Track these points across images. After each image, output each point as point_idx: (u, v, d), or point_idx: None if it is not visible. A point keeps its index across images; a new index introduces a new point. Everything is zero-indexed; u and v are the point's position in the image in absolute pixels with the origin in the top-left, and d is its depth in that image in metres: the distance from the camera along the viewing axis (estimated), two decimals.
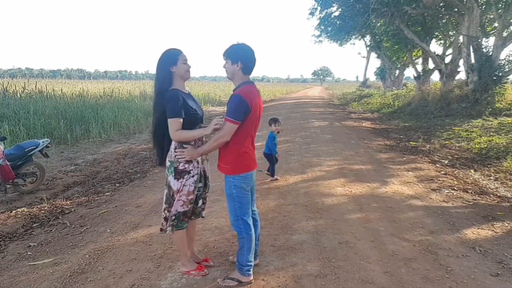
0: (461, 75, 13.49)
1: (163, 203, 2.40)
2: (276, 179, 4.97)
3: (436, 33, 16.24)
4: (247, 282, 2.40)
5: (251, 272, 2.41)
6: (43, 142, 4.89)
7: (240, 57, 2.24)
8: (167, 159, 2.35)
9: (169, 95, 2.22)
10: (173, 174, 2.30)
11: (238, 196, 2.31)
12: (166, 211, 2.39)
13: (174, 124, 2.20)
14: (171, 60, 2.28)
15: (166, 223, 2.40)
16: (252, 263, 2.42)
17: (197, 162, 2.38)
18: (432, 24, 15.18)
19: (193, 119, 2.30)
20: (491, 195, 4.24)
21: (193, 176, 2.35)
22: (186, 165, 2.31)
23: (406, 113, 12.84)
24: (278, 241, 3.05)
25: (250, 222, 2.37)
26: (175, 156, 2.29)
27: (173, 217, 2.36)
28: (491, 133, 7.45)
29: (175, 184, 2.32)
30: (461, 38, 12.20)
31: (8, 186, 4.44)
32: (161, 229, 2.44)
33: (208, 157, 2.52)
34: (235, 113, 2.15)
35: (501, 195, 4.24)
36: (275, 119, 4.88)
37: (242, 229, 2.34)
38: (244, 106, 2.14)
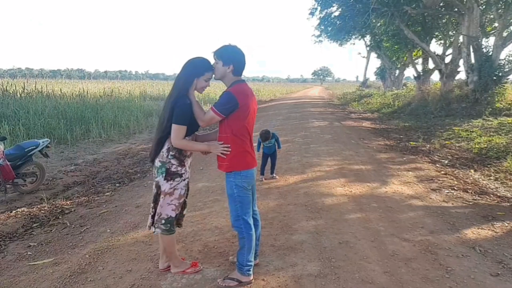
0: (461, 75, 13.51)
1: (151, 204, 2.41)
2: (274, 177, 4.99)
3: (436, 33, 16.24)
4: (247, 282, 2.40)
5: (251, 272, 2.41)
6: (43, 142, 4.89)
7: (232, 59, 2.27)
8: (157, 159, 2.34)
9: (182, 102, 2.24)
10: (163, 175, 2.31)
11: (239, 196, 2.31)
12: (152, 209, 2.41)
13: (179, 131, 2.23)
14: (198, 72, 2.30)
15: (159, 223, 2.41)
16: (252, 263, 2.42)
17: (188, 167, 2.42)
18: (432, 24, 15.18)
19: (193, 128, 2.35)
20: (491, 195, 4.24)
21: (184, 180, 2.38)
22: (179, 168, 2.34)
23: (406, 113, 12.84)
24: (278, 241, 3.05)
25: (251, 221, 2.37)
26: None
27: (164, 221, 2.36)
28: (491, 133, 7.45)
29: (163, 185, 2.32)
30: (461, 38, 12.20)
31: (8, 186, 4.44)
32: (149, 227, 2.46)
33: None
34: (222, 106, 2.21)
35: (501, 195, 4.24)
36: (267, 132, 4.75)
37: (243, 228, 2.34)
38: (232, 103, 2.19)
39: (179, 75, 2.32)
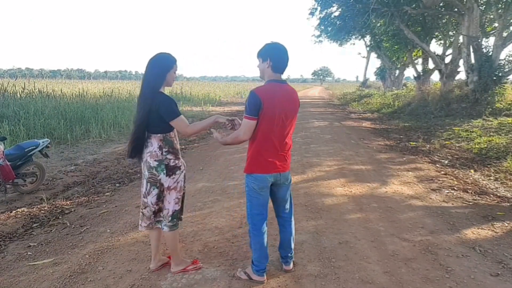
0: (461, 75, 13.51)
1: (152, 204, 2.40)
2: None
3: (436, 33, 16.24)
4: (258, 281, 2.40)
5: (262, 274, 2.41)
6: (43, 142, 4.88)
7: (270, 54, 2.23)
8: (151, 159, 2.34)
9: (164, 98, 2.28)
10: (164, 171, 2.34)
11: (249, 195, 2.35)
12: (153, 208, 2.42)
13: (182, 121, 2.30)
14: (168, 66, 2.33)
15: (167, 221, 2.44)
16: (262, 266, 2.40)
17: (181, 158, 2.49)
18: (432, 24, 15.18)
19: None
20: (491, 195, 4.24)
21: (182, 172, 2.44)
22: (176, 161, 2.39)
23: (406, 113, 12.84)
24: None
25: (260, 223, 2.37)
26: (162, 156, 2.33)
27: (170, 218, 2.42)
28: (491, 133, 7.45)
29: (166, 181, 2.36)
30: (461, 38, 12.20)
31: (8, 186, 4.43)
32: (148, 227, 2.48)
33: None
34: (249, 109, 2.17)
35: (501, 195, 4.24)
36: None
37: (250, 226, 2.40)
38: (256, 102, 2.13)
39: (149, 74, 2.31)
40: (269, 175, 2.28)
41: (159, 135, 2.33)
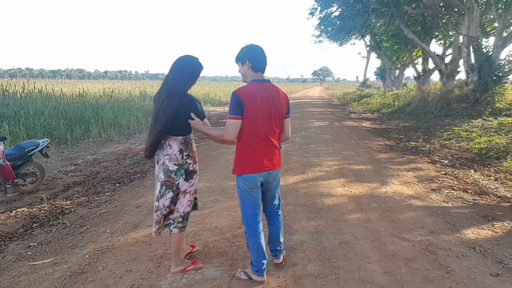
0: (461, 75, 13.51)
1: (164, 206, 2.37)
2: None
3: (436, 33, 16.25)
4: (258, 281, 2.40)
5: (261, 274, 2.41)
6: (43, 142, 4.89)
7: (247, 56, 2.27)
8: (170, 163, 2.31)
9: (191, 98, 2.34)
10: (183, 176, 2.35)
11: (241, 196, 2.36)
12: (165, 211, 2.41)
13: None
14: (198, 73, 2.37)
15: (177, 222, 2.44)
16: (261, 266, 2.40)
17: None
18: (432, 24, 15.18)
19: (188, 127, 2.43)
20: (491, 195, 4.23)
21: (197, 175, 2.48)
22: (195, 166, 2.42)
23: (406, 113, 12.83)
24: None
25: (255, 224, 2.37)
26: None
27: (181, 219, 2.43)
28: (491, 133, 7.45)
29: (183, 185, 2.37)
30: (461, 38, 12.20)
31: (8, 186, 4.43)
32: (158, 231, 2.48)
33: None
34: (232, 110, 2.19)
35: (501, 195, 4.24)
36: None
37: (245, 228, 2.41)
38: (237, 102, 2.17)
39: (181, 74, 2.30)
40: (258, 174, 2.28)
41: (180, 137, 2.32)
